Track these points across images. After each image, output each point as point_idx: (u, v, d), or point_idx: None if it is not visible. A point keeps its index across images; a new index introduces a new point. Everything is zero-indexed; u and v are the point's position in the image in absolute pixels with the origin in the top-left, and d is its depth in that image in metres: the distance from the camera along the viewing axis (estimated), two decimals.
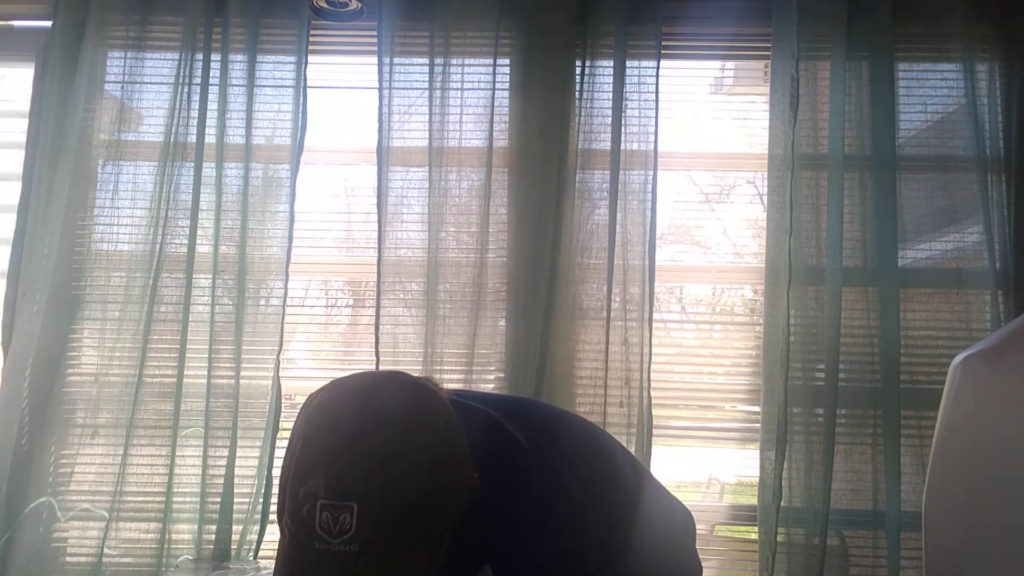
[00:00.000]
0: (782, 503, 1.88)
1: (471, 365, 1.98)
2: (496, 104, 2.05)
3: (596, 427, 1.16)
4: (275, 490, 1.97)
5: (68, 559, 1.99)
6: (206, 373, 1.98)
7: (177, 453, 1.97)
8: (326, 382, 0.90)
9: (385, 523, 0.74)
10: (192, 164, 2.04)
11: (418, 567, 0.77)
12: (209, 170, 2.04)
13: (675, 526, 1.21)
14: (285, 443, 2.07)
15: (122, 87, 2.10)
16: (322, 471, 0.75)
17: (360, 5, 2.08)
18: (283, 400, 2.00)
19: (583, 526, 0.94)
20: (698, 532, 2.16)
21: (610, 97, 2.03)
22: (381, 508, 0.74)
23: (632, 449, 1.94)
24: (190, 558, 1.95)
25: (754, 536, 2.00)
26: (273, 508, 1.99)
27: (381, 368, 1.96)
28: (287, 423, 2.02)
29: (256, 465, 1.98)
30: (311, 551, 0.74)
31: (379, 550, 0.74)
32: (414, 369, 1.97)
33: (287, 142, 2.07)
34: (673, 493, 1.25)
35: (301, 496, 0.76)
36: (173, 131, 2.04)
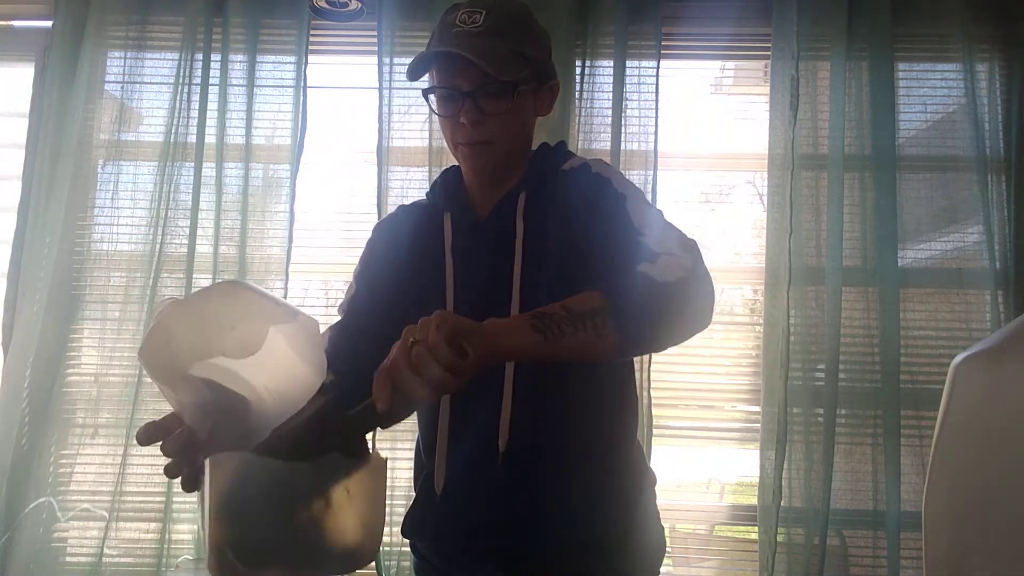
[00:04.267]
0: (782, 503, 1.88)
1: None
2: None
3: None
4: None
5: (68, 559, 1.99)
6: None
7: None
8: None
9: (504, 22, 1.07)
10: (192, 164, 2.04)
11: (520, 53, 1.07)
12: (209, 170, 2.04)
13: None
14: None
15: (122, 87, 2.10)
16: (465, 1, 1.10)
17: (360, 5, 2.07)
18: None
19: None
20: (698, 532, 2.17)
21: (610, 97, 2.03)
22: (503, 13, 1.08)
23: None
24: (190, 558, 1.95)
25: (754, 536, 1.99)
26: None
27: None
28: None
29: None
30: (449, 32, 1.07)
31: (497, 34, 1.06)
32: None
33: (287, 142, 2.07)
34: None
35: (448, 14, 1.10)
36: (173, 131, 2.04)
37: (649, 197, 2.00)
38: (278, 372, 0.78)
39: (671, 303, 0.90)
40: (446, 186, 1.17)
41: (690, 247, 0.98)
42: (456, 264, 1.11)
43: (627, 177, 1.11)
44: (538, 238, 1.07)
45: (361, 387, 1.10)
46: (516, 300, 1.06)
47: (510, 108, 1.07)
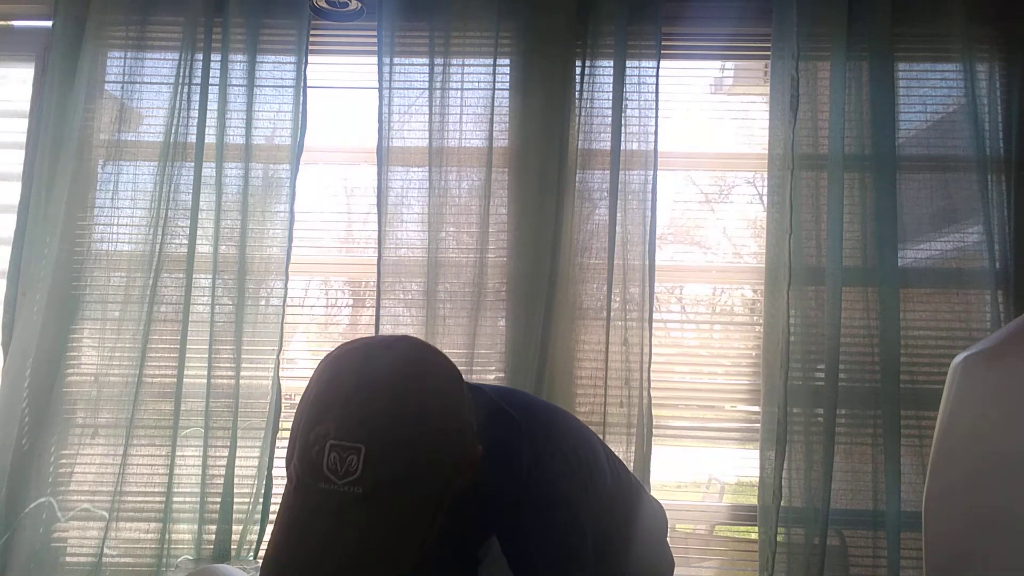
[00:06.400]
0: (782, 503, 1.89)
1: (471, 365, 1.98)
2: (496, 104, 2.05)
3: (584, 425, 1.17)
4: (275, 490, 1.98)
5: (68, 559, 1.99)
6: (206, 373, 1.98)
7: (177, 453, 1.97)
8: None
9: (390, 468, 0.76)
10: (192, 164, 2.04)
11: (418, 519, 0.79)
12: (209, 170, 2.04)
13: (657, 524, 1.22)
14: (285, 443, 2.06)
15: (122, 87, 2.10)
16: (334, 413, 0.78)
17: (360, 5, 2.08)
18: (283, 400, 2.00)
19: (579, 520, 0.97)
20: (698, 532, 2.17)
21: (610, 97, 2.03)
22: (388, 453, 0.76)
23: (632, 449, 1.94)
24: (190, 558, 1.95)
25: (754, 536, 2.00)
26: (273, 508, 1.99)
27: None
28: (287, 423, 2.02)
29: (256, 465, 1.98)
30: (316, 491, 0.76)
31: (382, 495, 0.76)
32: None
33: (287, 142, 2.07)
34: (652, 492, 1.26)
35: (312, 438, 0.78)
36: (173, 131, 2.04)
37: (649, 197, 2.00)
38: None
39: None
40: None
41: None
42: None
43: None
44: None
45: None
46: None
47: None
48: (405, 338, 0.90)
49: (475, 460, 0.86)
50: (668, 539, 1.30)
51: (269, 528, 1.99)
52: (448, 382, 0.86)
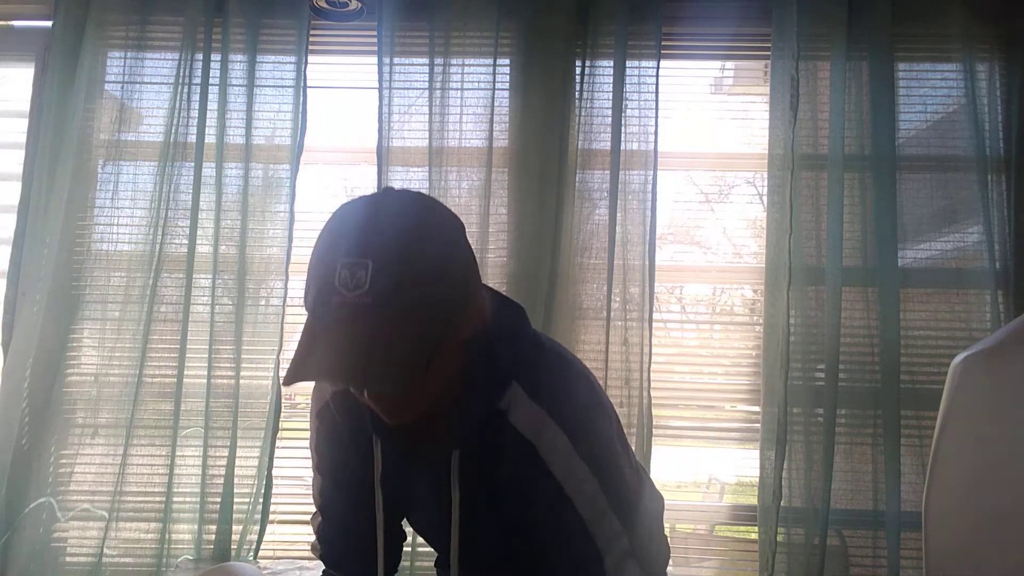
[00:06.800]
0: (782, 503, 1.88)
1: None
2: (496, 104, 2.05)
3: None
4: (275, 490, 1.98)
5: (68, 559, 1.99)
6: (206, 373, 1.98)
7: (177, 453, 1.97)
8: None
9: (398, 280, 0.81)
10: (192, 164, 2.04)
11: (424, 331, 0.82)
12: (209, 170, 2.04)
13: (656, 512, 1.22)
14: (285, 443, 2.07)
15: (122, 87, 2.10)
16: (344, 240, 0.84)
17: (360, 5, 2.08)
18: (283, 400, 2.00)
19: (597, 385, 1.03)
20: (698, 532, 2.17)
21: (610, 97, 2.03)
22: (395, 265, 0.81)
23: (632, 449, 1.94)
24: (190, 558, 1.95)
25: (754, 536, 2.00)
26: (273, 508, 1.99)
27: None
28: (287, 423, 2.02)
29: (256, 465, 1.98)
30: (329, 304, 0.81)
31: (390, 305, 0.80)
32: None
33: (287, 142, 2.07)
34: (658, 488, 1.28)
35: (325, 261, 0.84)
36: (173, 131, 2.04)
37: (649, 197, 2.00)
38: None
39: None
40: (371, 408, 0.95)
41: (642, 537, 0.96)
42: (387, 500, 1.04)
43: (572, 418, 0.94)
44: (476, 508, 0.99)
45: (366, 570, 1.09)
46: (455, 549, 0.99)
47: (420, 385, 0.87)
48: (409, 189, 0.94)
49: (482, 303, 0.92)
50: (668, 537, 1.30)
51: (269, 528, 1.99)
52: (452, 219, 0.92)
